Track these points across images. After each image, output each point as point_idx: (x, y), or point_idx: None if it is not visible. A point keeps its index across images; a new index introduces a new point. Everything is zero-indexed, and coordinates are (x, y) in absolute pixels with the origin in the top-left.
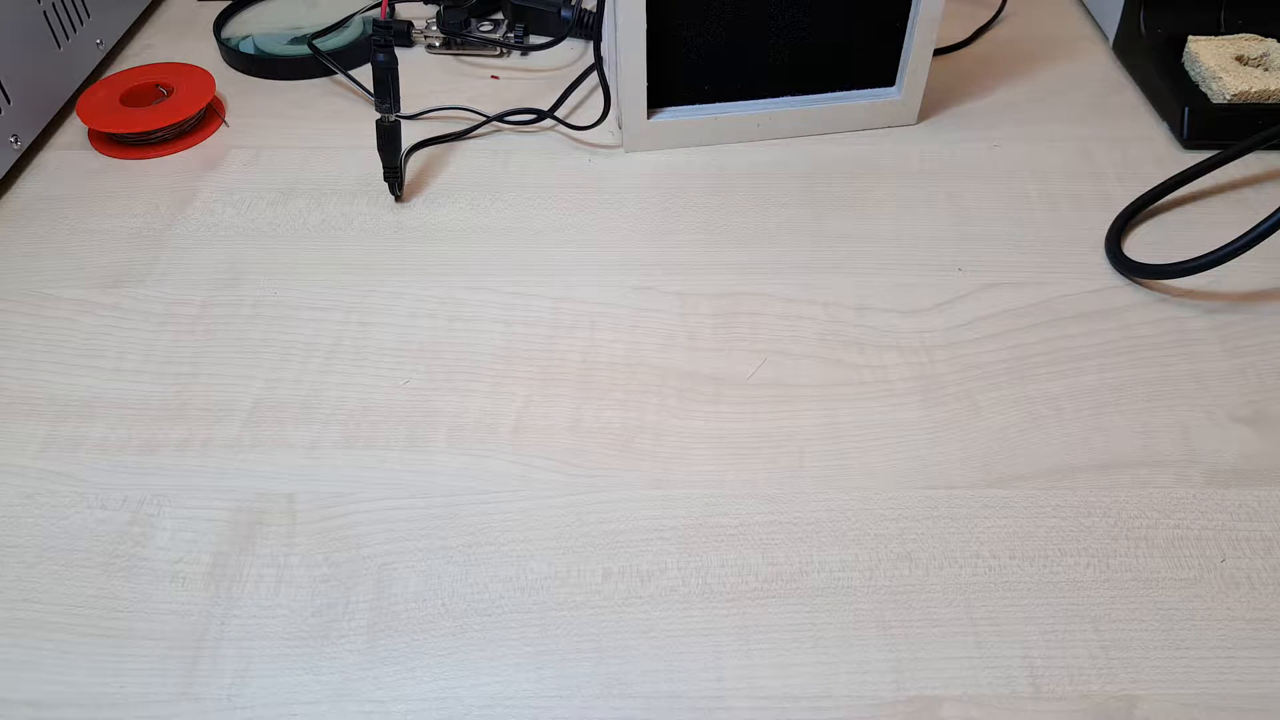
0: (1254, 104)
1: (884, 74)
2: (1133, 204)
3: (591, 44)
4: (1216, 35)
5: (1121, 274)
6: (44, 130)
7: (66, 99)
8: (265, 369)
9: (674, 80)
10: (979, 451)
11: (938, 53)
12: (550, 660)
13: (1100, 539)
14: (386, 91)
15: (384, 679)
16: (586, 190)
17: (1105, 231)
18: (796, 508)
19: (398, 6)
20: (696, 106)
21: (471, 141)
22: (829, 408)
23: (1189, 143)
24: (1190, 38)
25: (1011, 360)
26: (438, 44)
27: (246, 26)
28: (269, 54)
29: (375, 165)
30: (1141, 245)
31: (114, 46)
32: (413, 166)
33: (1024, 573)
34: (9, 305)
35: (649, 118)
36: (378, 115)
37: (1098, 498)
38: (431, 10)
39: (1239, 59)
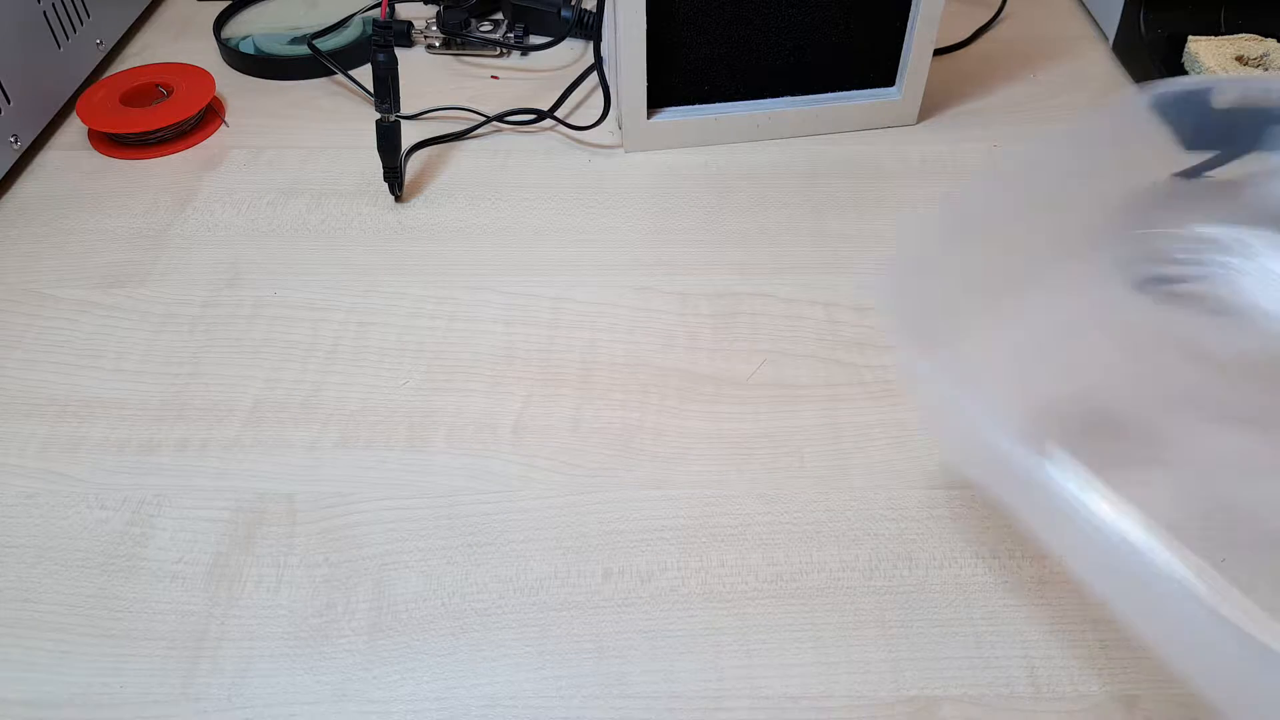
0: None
1: (884, 74)
2: None
3: (591, 44)
4: (1216, 35)
5: None
6: (44, 130)
7: (66, 99)
8: (265, 369)
9: (674, 80)
10: None
11: (938, 53)
12: (550, 660)
13: None
14: (386, 91)
15: (384, 679)
16: (586, 190)
17: None
18: (796, 508)
19: (398, 6)
20: (696, 106)
21: (471, 141)
22: (829, 408)
23: (1189, 142)
24: (1190, 38)
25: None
26: (438, 44)
27: (246, 26)
28: (269, 54)
29: (375, 165)
30: None
31: (114, 46)
32: (413, 166)
33: (1024, 573)
34: (9, 305)
35: (649, 118)
36: (378, 115)
37: None
38: (431, 10)
39: (1239, 59)
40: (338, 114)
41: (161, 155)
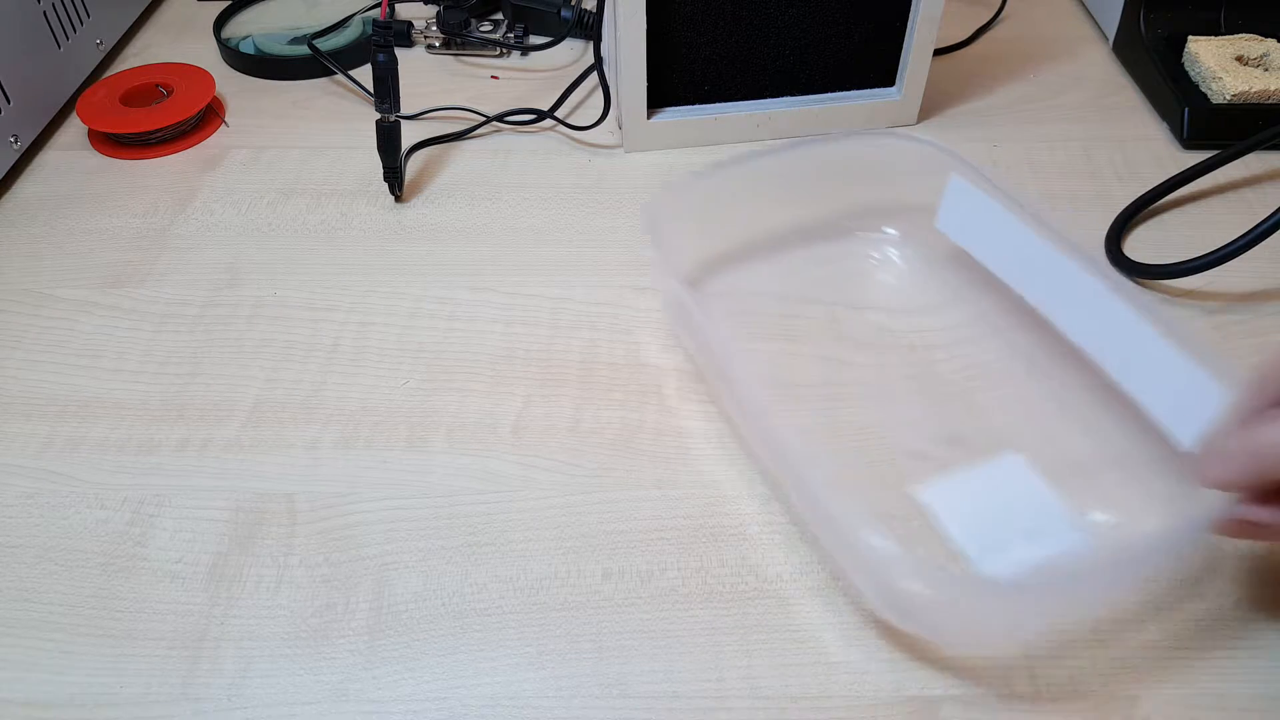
0: (1254, 104)
1: (884, 74)
2: (1133, 204)
3: (591, 44)
4: (1216, 35)
5: (1121, 274)
6: (44, 130)
7: (66, 99)
8: (265, 369)
9: (674, 80)
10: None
11: (938, 53)
12: (550, 660)
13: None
14: (386, 91)
15: (384, 679)
16: (586, 190)
17: (1105, 231)
18: (797, 508)
19: (398, 6)
20: (696, 106)
21: (471, 141)
22: (829, 407)
23: (1189, 143)
24: (1190, 38)
25: (1012, 360)
26: (438, 44)
27: (246, 26)
28: (269, 54)
29: (375, 165)
30: (1141, 245)
31: (114, 46)
32: (413, 166)
33: None
34: (9, 305)
35: (649, 118)
36: (378, 115)
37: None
38: (431, 10)
39: (1239, 59)
40: (338, 114)
41: (161, 155)
